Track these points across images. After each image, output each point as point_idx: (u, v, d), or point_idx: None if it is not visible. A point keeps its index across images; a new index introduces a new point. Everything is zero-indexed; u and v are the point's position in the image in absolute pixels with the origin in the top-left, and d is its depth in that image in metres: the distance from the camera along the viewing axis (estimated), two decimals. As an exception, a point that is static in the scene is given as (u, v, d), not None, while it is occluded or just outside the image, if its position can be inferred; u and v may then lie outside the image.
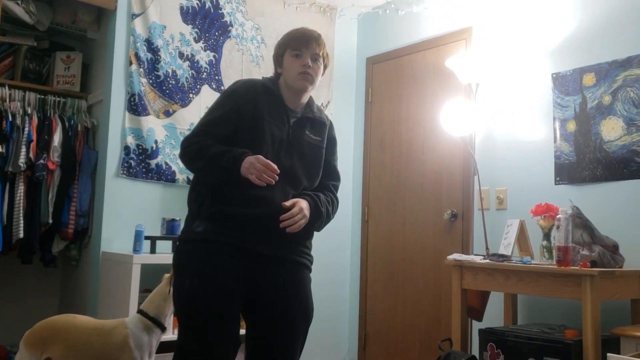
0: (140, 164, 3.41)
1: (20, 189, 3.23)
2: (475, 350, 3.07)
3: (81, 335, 2.28)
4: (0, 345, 3.23)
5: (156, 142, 3.46)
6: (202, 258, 1.93)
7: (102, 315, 3.15)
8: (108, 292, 3.16)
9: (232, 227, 1.93)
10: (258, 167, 1.85)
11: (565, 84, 3.12)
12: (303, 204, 1.96)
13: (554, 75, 3.19)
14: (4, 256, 3.25)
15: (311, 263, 2.12)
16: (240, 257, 1.93)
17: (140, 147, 3.42)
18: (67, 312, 3.62)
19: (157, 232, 3.30)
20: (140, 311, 2.36)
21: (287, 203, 1.94)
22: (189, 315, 1.91)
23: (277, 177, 1.88)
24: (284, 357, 2.00)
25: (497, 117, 3.48)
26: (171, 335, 2.98)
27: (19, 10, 3.30)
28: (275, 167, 1.87)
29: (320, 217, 2.04)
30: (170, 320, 2.86)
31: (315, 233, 2.12)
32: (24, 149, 3.20)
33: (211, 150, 1.94)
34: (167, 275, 2.41)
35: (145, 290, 3.21)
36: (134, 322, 2.31)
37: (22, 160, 3.18)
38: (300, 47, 2.04)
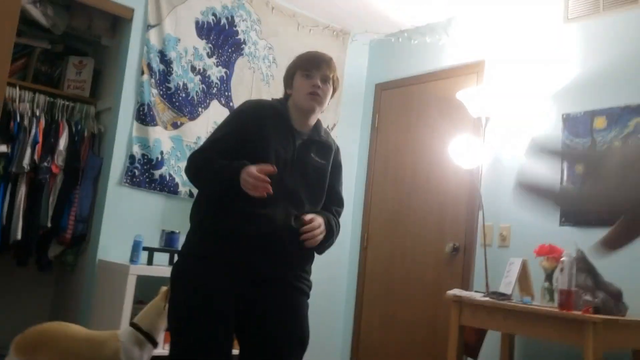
0: (144, 173, 3.39)
1: (22, 190, 3.20)
2: (469, 388, 3.02)
3: (72, 345, 2.25)
4: (-12, 348, 3.17)
5: (162, 153, 3.45)
6: (198, 274, 1.91)
7: (94, 324, 3.10)
8: (102, 301, 3.11)
9: (232, 245, 1.91)
10: (250, 181, 1.84)
11: (576, 125, 3.12)
12: (320, 219, 1.97)
13: (565, 115, 3.19)
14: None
15: (309, 289, 2.09)
16: (237, 276, 1.91)
17: (146, 157, 3.40)
18: (59, 317, 3.58)
19: (155, 244, 3.27)
20: (133, 324, 2.32)
21: (307, 217, 1.93)
22: (181, 333, 1.89)
23: (270, 187, 1.84)
24: None
25: (505, 153, 3.47)
26: (162, 350, 2.94)
27: (36, 13, 3.31)
28: (263, 176, 1.83)
29: (331, 237, 2.03)
30: (162, 336, 2.82)
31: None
32: (29, 151, 3.19)
33: (214, 165, 1.96)
34: (164, 289, 2.37)
35: (139, 302, 3.16)
36: (127, 335, 2.27)
37: (26, 161, 3.16)
38: (311, 68, 2.06)
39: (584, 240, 2.92)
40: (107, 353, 2.21)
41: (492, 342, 3.15)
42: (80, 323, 3.26)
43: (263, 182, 1.84)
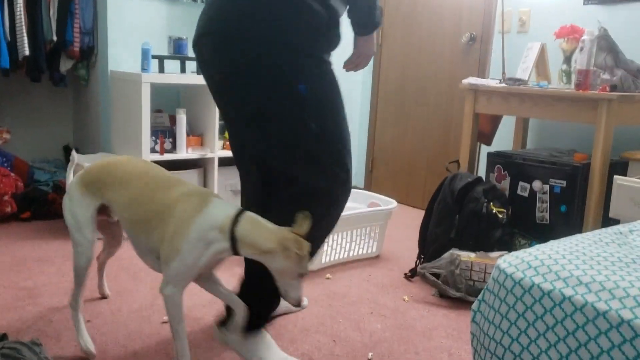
0: (142, -22, 3.21)
1: (20, 4, 3.08)
2: (482, 173, 3.14)
3: (147, 188, 1.63)
4: (22, 161, 3.33)
5: (157, -47, 3.22)
6: (328, 89, 1.66)
7: (116, 135, 3.20)
8: (119, 112, 3.17)
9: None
10: None
11: None
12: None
13: None
14: (12, 73, 3.23)
15: None
16: None
17: (141, -42, 3.19)
18: (81, 132, 3.71)
19: (164, 51, 3.22)
20: (237, 215, 1.50)
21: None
22: (331, 129, 1.67)
23: None
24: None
25: None
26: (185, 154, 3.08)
27: None
28: None
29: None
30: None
31: None
32: (17, -41, 3.00)
33: None
34: (287, 239, 1.45)
35: (157, 111, 3.22)
36: (217, 216, 1.51)
37: (16, -29, 3.00)
38: None
39: (608, 18, 2.78)
40: (180, 208, 1.54)
41: (505, 129, 3.19)
42: (102, 136, 3.39)
43: None
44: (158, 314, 2.04)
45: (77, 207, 1.73)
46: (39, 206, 3.13)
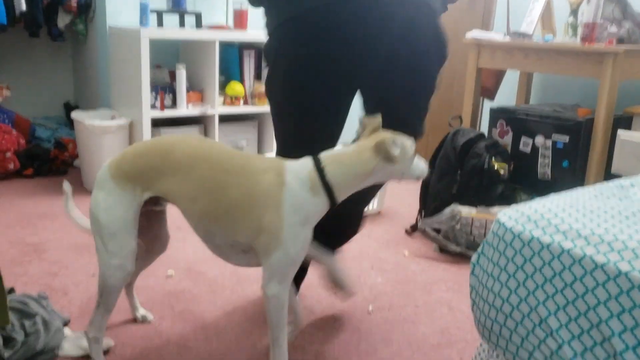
0: None
1: (14, -43, 3.01)
2: (484, 128, 3.12)
3: (215, 172, 1.33)
4: (23, 118, 3.32)
5: None
6: None
7: (115, 89, 3.17)
8: (119, 67, 3.13)
9: None
10: None
11: None
12: None
13: None
14: (10, 29, 3.18)
15: None
16: None
17: None
18: (81, 89, 3.69)
19: (163, 6, 3.16)
20: (317, 162, 1.31)
21: None
22: None
23: None
24: None
25: None
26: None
27: None
28: None
29: None
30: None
31: None
32: None
33: None
34: (382, 138, 1.29)
35: (156, 66, 3.18)
36: (299, 176, 1.31)
37: None
38: None
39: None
40: (262, 190, 1.29)
41: (509, 84, 3.16)
42: (102, 92, 3.36)
43: None
44: (162, 268, 2.07)
45: (115, 205, 1.36)
46: (42, 163, 3.14)
